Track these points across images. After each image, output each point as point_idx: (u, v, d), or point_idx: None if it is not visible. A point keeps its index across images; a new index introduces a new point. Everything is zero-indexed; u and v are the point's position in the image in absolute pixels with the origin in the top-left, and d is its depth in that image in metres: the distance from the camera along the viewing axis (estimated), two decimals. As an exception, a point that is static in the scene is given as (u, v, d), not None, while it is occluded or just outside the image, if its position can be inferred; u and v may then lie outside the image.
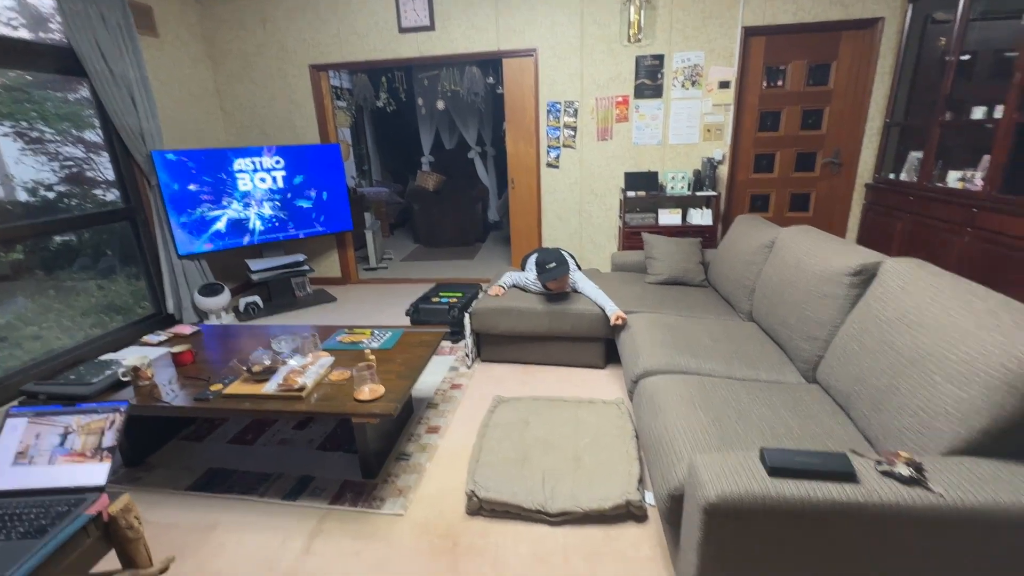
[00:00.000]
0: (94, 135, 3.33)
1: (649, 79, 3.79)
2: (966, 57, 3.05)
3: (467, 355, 2.89)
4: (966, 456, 1.16)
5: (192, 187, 3.58)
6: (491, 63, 5.57)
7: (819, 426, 1.53)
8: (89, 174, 3.36)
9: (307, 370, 1.92)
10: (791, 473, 1.10)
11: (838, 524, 1.07)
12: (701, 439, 1.45)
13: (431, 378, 2.74)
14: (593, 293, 2.73)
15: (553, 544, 1.61)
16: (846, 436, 1.48)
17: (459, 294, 3.44)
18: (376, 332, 2.37)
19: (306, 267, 4.21)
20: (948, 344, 1.27)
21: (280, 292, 4.15)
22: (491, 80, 5.72)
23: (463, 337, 3.26)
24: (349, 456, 2.10)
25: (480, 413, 2.36)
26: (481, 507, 1.75)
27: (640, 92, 3.83)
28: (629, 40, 3.73)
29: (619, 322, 2.50)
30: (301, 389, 1.81)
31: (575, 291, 2.85)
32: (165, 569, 1.32)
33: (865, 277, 1.72)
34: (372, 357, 1.93)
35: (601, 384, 2.63)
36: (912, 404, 1.31)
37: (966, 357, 1.21)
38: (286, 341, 2.17)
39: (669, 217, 3.82)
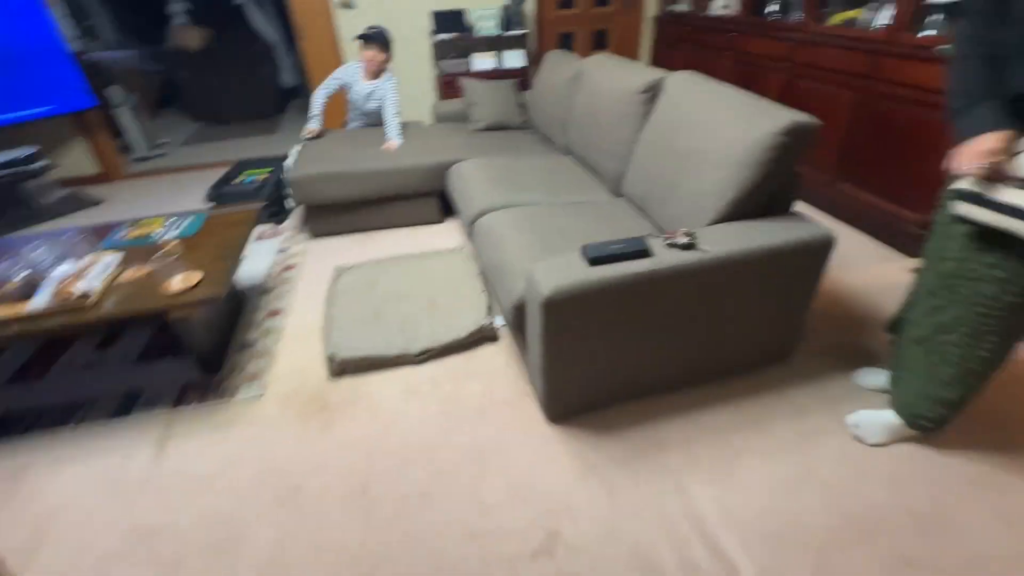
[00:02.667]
0: None
1: None
2: None
3: (294, 232, 2.65)
4: (723, 223, 1.50)
5: None
6: None
7: (624, 227, 1.80)
8: None
9: (87, 274, 1.58)
10: (605, 260, 1.31)
11: (643, 291, 1.33)
12: (533, 255, 1.61)
13: (259, 264, 2.49)
14: (389, 109, 2.80)
15: (421, 378, 1.74)
16: (645, 230, 1.78)
17: (268, 169, 3.02)
18: (172, 220, 2.00)
19: (41, 163, 3.20)
20: (711, 138, 1.55)
21: (10, 202, 3.15)
22: None
23: (286, 216, 2.96)
24: (180, 360, 1.88)
25: (322, 288, 2.25)
26: (344, 368, 1.77)
27: (432, -92, 3.35)
28: None
29: (389, 149, 2.70)
30: (84, 297, 1.50)
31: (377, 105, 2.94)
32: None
33: (653, 92, 1.94)
34: (176, 244, 1.65)
35: (442, 237, 2.68)
36: (686, 192, 1.60)
37: (723, 146, 1.50)
38: (45, 248, 1.71)
39: (483, 61, 3.69)
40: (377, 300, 2.05)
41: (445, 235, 2.70)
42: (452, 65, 3.66)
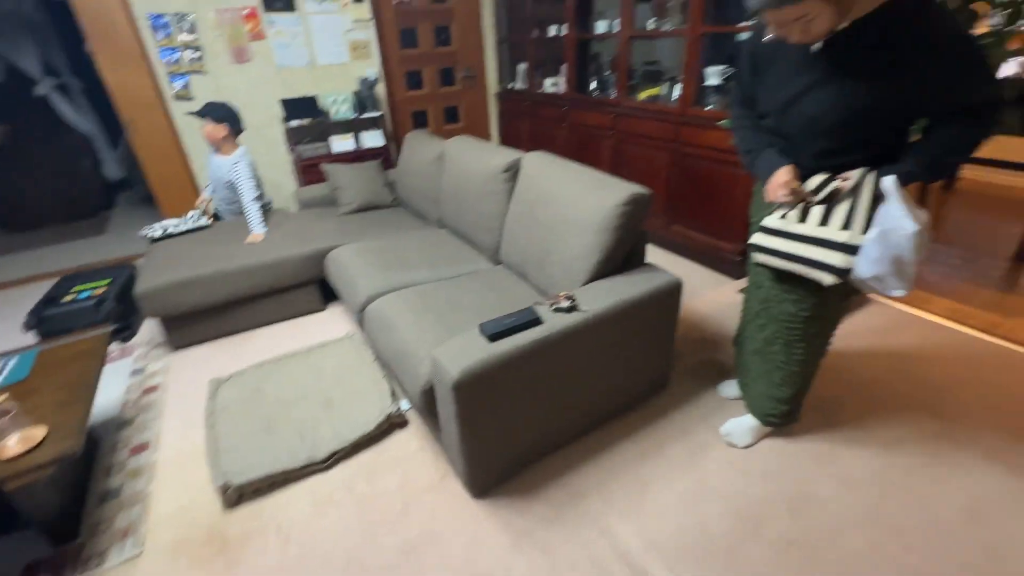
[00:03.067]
0: None
1: (275, -12, 3.38)
2: (537, -18, 3.82)
3: (149, 348, 2.35)
4: (593, 282, 1.72)
5: None
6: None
7: (510, 294, 1.95)
8: None
9: None
10: (503, 334, 1.43)
11: (540, 355, 1.45)
12: (433, 337, 1.67)
13: (110, 393, 2.14)
14: (245, 196, 2.70)
15: (333, 485, 1.65)
16: (528, 295, 1.95)
17: (106, 281, 2.66)
18: (-13, 366, 1.66)
19: None
20: (570, 210, 1.78)
21: None
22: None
23: (134, 331, 2.62)
24: (19, 535, 1.53)
25: (198, 407, 2.02)
26: (241, 495, 1.61)
27: (269, 3, 3.40)
28: (235, -62, 3.18)
29: (254, 241, 2.63)
30: None
31: (232, 182, 2.80)
32: None
33: (513, 172, 2.17)
34: (3, 397, 1.38)
35: (327, 325, 2.59)
36: (558, 258, 1.81)
37: (581, 216, 1.74)
38: None
39: (342, 143, 3.74)
40: (267, 409, 1.90)
41: (330, 323, 2.61)
42: (310, 149, 3.64)
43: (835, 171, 1.25)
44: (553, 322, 1.49)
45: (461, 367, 1.33)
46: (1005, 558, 1.32)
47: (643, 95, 3.13)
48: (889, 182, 1.14)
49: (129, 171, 5.08)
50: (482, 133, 4.69)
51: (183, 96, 3.37)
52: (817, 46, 1.16)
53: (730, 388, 1.92)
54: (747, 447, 1.70)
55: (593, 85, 3.58)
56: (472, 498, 1.57)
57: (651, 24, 3.07)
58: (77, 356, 1.71)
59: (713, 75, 2.69)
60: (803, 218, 1.28)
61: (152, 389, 2.17)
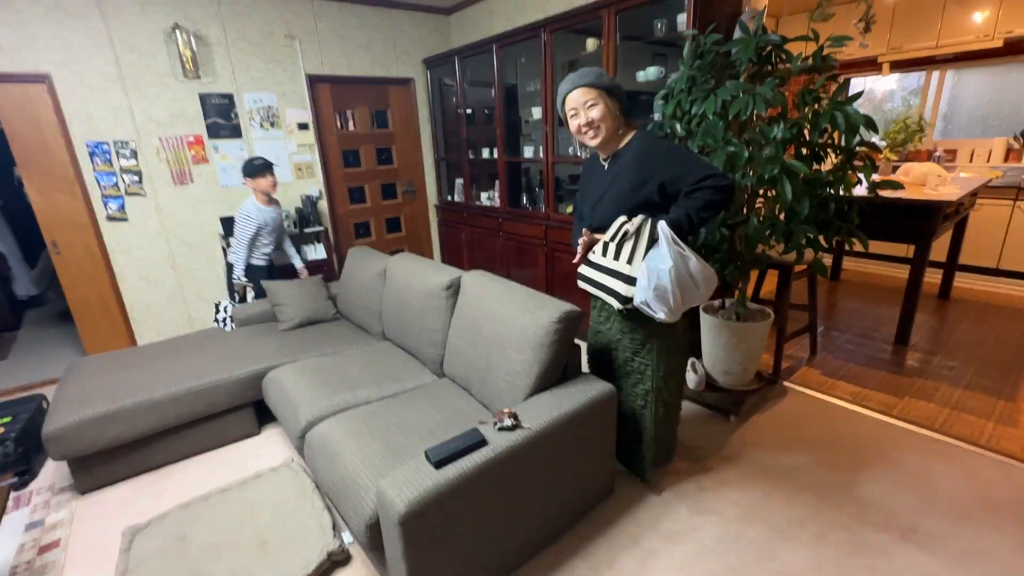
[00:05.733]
0: None
1: (222, 118, 3.58)
2: (469, 111, 4.30)
3: (50, 494, 2.10)
4: (534, 396, 1.80)
5: None
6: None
7: (455, 410, 1.98)
8: None
9: None
10: (449, 459, 1.45)
11: (487, 476, 1.48)
12: (379, 464, 1.65)
13: (-5, 556, 1.87)
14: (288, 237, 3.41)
15: (265, 645, 1.49)
16: (473, 410, 1.99)
17: (5, 419, 2.41)
18: None
19: None
20: (509, 327, 1.91)
21: None
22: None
23: (33, 476, 2.35)
24: None
25: (108, 563, 1.80)
26: (155, 670, 1.41)
27: (215, 132, 3.57)
28: (186, 75, 3.39)
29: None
30: None
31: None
32: None
33: (454, 288, 2.30)
34: None
35: (263, 451, 2.45)
36: (501, 373, 1.90)
37: (519, 333, 1.86)
38: None
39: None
40: (193, 559, 1.73)
41: (266, 448, 2.48)
42: (249, 264, 3.64)
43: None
44: (498, 442, 1.53)
45: (408, 499, 1.32)
46: (933, 644, 1.40)
47: (569, 209, 3.49)
48: (661, 226, 1.57)
49: (44, 289, 4.79)
50: (423, 242, 4.92)
51: (117, 217, 3.34)
52: (605, 167, 1.75)
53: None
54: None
55: (524, 200, 3.94)
56: (422, 642, 1.47)
57: (571, 150, 3.51)
58: (-34, 519, 1.51)
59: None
60: (604, 252, 1.72)
61: (52, 545, 1.91)
